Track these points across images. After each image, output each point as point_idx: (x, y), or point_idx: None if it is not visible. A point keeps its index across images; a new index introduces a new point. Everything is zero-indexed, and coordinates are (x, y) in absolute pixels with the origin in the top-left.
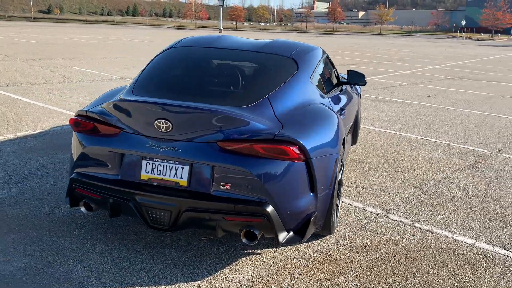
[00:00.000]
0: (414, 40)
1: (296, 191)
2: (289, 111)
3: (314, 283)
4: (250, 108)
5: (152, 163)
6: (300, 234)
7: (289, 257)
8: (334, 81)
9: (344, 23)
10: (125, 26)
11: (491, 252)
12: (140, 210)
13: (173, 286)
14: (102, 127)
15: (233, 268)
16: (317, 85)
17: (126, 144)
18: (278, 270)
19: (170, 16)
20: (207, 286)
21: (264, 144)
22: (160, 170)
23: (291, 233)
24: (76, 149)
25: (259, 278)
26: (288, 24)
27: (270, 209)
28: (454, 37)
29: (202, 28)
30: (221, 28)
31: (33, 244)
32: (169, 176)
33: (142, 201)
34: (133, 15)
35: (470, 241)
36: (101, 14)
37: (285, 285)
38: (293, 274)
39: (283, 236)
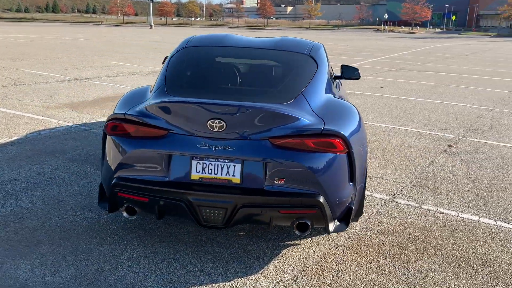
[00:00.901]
0: (343, 34)
1: (341, 181)
2: (321, 106)
3: (359, 267)
4: (290, 104)
5: (203, 163)
6: (345, 222)
7: (327, 246)
8: (333, 75)
9: (274, 18)
10: (47, 23)
11: (496, 226)
12: (193, 209)
13: (231, 282)
14: (148, 129)
15: (280, 260)
16: (331, 80)
17: (175, 145)
18: (322, 258)
19: (94, 13)
20: (264, 278)
21: (314, 139)
22: (211, 169)
23: (338, 222)
24: (113, 153)
25: (308, 267)
26: (219, 20)
27: (322, 200)
28: (378, 30)
29: (130, 24)
30: (152, 24)
31: (71, 253)
32: (221, 175)
33: (196, 200)
34: (53, 11)
35: (475, 217)
36: (17, 11)
37: (334, 271)
38: (337, 260)
39: (332, 225)
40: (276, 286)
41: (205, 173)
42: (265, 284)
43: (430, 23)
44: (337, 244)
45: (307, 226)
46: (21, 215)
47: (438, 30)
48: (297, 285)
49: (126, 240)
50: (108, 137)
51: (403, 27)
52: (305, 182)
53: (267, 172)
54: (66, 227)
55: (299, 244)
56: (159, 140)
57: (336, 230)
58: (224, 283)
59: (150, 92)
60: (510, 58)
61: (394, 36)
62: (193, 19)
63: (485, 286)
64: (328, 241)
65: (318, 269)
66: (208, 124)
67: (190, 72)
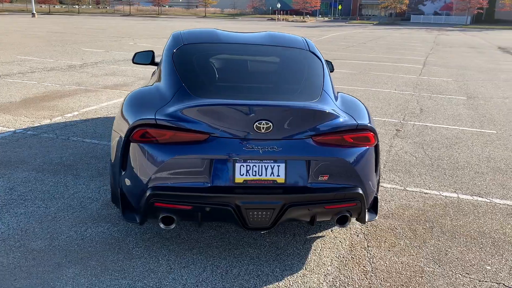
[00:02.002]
0: (241, 23)
1: (372, 173)
2: (340, 101)
3: (388, 251)
4: (319, 101)
5: (247, 165)
6: (374, 211)
7: (348, 235)
8: None
9: (167, 6)
10: None
11: (475, 201)
12: (240, 213)
13: (284, 281)
14: (187, 134)
15: (315, 253)
16: None
17: (218, 149)
18: (351, 248)
19: None
20: (311, 273)
21: (351, 134)
22: (255, 171)
23: (370, 212)
24: (144, 162)
25: (344, 257)
26: (108, 7)
27: (361, 192)
28: (273, 19)
29: (7, 12)
30: (34, 12)
31: (104, 273)
32: (266, 176)
33: (244, 203)
34: None
35: (454, 195)
36: None
37: (369, 259)
38: (365, 248)
39: (367, 215)
40: (325, 279)
41: (249, 175)
42: (315, 279)
43: (319, 13)
44: (355, 232)
45: (348, 219)
46: (18, 238)
47: (326, 19)
48: (344, 276)
49: (154, 252)
50: (134, 145)
51: (295, 16)
52: (346, 177)
53: (310, 170)
54: (80, 245)
55: (323, 236)
56: (200, 145)
57: (369, 219)
58: (277, 283)
59: (160, 93)
60: (402, 45)
61: (289, 25)
62: (79, 7)
63: (495, 255)
64: (345, 230)
65: (353, 258)
66: (254, 125)
67: (204, 71)
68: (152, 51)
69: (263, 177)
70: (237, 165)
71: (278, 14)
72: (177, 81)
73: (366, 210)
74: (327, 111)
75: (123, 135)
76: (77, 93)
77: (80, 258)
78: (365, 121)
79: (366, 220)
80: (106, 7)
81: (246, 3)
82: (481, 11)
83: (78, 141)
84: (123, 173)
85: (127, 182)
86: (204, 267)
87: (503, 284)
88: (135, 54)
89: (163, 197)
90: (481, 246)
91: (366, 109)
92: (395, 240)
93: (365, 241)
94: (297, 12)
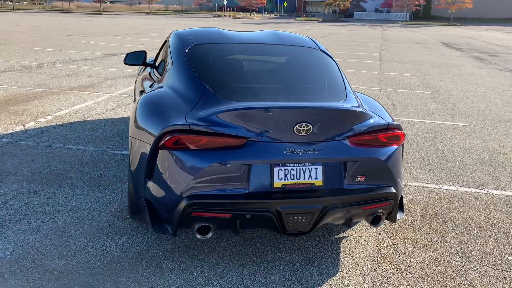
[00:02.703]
0: (189, 19)
1: (401, 171)
2: (362, 101)
3: (413, 247)
4: (347, 101)
5: (285, 169)
6: (401, 210)
7: (370, 234)
8: None
9: (108, 2)
10: None
11: (474, 193)
12: (281, 218)
13: (325, 285)
14: (224, 139)
15: (346, 254)
16: None
17: (256, 154)
18: (379, 246)
19: None
20: (349, 275)
21: (384, 133)
22: (293, 175)
23: (398, 211)
24: (176, 170)
25: (374, 257)
26: (45, 4)
27: (395, 191)
28: (220, 16)
29: None
30: None
31: None
32: (304, 179)
33: (285, 209)
34: None
35: (453, 188)
36: None
37: (398, 256)
38: (392, 245)
39: (398, 214)
40: (364, 280)
41: (287, 179)
42: (355, 281)
43: (265, 9)
44: (376, 230)
45: (381, 218)
46: (32, 257)
47: (273, 15)
48: (381, 276)
49: (184, 263)
50: (164, 152)
51: (241, 13)
52: (380, 176)
53: (347, 171)
54: (102, 260)
55: (348, 236)
56: (238, 150)
57: (398, 218)
58: (319, 287)
59: (181, 97)
60: (354, 41)
61: (238, 21)
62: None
63: (510, 245)
64: (366, 229)
65: (383, 257)
66: (295, 128)
67: (225, 72)
68: (144, 52)
69: (301, 180)
70: (275, 169)
71: (224, 11)
72: (200, 83)
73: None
74: (362, 111)
75: (147, 143)
76: (43, 96)
77: (107, 275)
78: (392, 121)
79: (397, 219)
80: (43, 4)
81: (191, 0)
82: (419, 8)
83: (61, 147)
84: (149, 182)
85: (155, 191)
86: (241, 276)
87: None
88: (127, 54)
89: (201, 206)
90: (496, 237)
91: (383, 107)
92: (416, 236)
93: (388, 238)
94: (243, 9)
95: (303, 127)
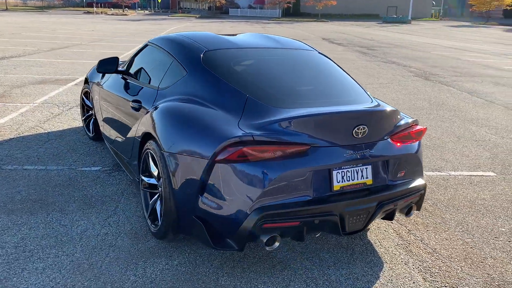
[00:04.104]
0: (57, 17)
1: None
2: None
3: (426, 231)
4: (374, 101)
5: (342, 172)
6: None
7: (385, 225)
8: None
9: None
10: None
11: (441, 176)
12: (343, 220)
13: (383, 278)
14: (289, 148)
15: (378, 245)
16: None
17: (319, 159)
18: (401, 235)
19: None
20: (395, 263)
21: (411, 130)
22: (349, 176)
23: None
24: (240, 183)
25: (403, 244)
26: None
27: (424, 182)
28: (90, 12)
29: None
30: None
31: None
32: (357, 179)
33: (347, 210)
34: None
35: (458, 173)
36: None
37: (421, 239)
38: (409, 231)
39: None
40: (409, 267)
41: (344, 181)
42: (402, 269)
43: (138, 5)
44: (399, 227)
45: (413, 208)
46: None
47: (147, 12)
48: (419, 261)
49: (242, 278)
50: (224, 166)
51: (113, 9)
52: (414, 170)
53: (389, 168)
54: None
55: (368, 229)
56: (302, 158)
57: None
58: (380, 281)
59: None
60: None
61: (112, 18)
62: None
63: (498, 218)
64: (378, 221)
65: (410, 243)
66: (353, 131)
67: (254, 78)
68: (117, 58)
69: (356, 181)
70: (334, 172)
71: (95, 7)
72: (236, 91)
73: None
74: (398, 111)
75: (199, 157)
76: None
77: None
78: (412, 117)
79: (417, 211)
80: None
81: None
82: (290, 5)
83: (17, 170)
84: (202, 199)
85: (213, 208)
86: (305, 282)
87: None
88: (100, 62)
89: (272, 217)
90: (481, 212)
91: None
92: (422, 221)
93: (402, 226)
94: (115, 5)
95: (361, 129)
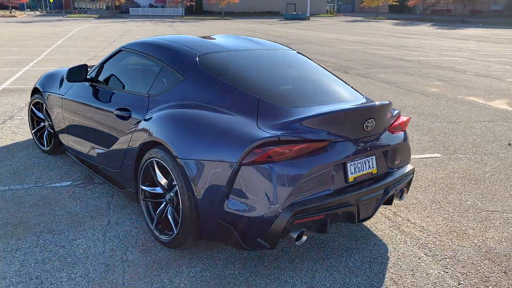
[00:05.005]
0: None
1: None
2: None
3: (426, 217)
4: (366, 97)
5: (354, 164)
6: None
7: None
8: None
9: None
10: None
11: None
12: (359, 209)
13: (393, 257)
14: (312, 145)
15: (380, 230)
16: None
17: (337, 154)
18: (398, 224)
19: None
20: (408, 244)
21: (401, 121)
22: (359, 167)
23: None
24: (269, 183)
25: (398, 228)
26: None
27: (412, 167)
28: None
29: None
30: None
31: None
32: (366, 170)
33: (363, 199)
34: None
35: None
36: None
37: (420, 228)
38: (409, 220)
39: None
40: (417, 248)
41: (356, 172)
42: (411, 253)
43: (27, 6)
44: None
45: (403, 192)
46: None
47: (38, 13)
48: (427, 247)
49: (277, 274)
50: (250, 168)
51: None
52: (405, 156)
53: (388, 157)
54: None
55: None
56: (324, 154)
57: None
58: (396, 259)
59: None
60: None
61: (2, 21)
62: None
63: (478, 197)
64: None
65: (412, 230)
66: (364, 125)
67: (255, 80)
68: (86, 65)
69: (364, 171)
70: (348, 165)
71: None
72: (245, 94)
73: None
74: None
75: (224, 161)
76: None
77: None
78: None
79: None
80: None
81: None
82: (192, 3)
83: None
84: (227, 202)
85: (241, 210)
86: (327, 271)
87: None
88: (70, 70)
89: (302, 213)
90: (445, 190)
91: None
92: (400, 202)
93: (386, 209)
94: (1, 6)
95: (370, 123)
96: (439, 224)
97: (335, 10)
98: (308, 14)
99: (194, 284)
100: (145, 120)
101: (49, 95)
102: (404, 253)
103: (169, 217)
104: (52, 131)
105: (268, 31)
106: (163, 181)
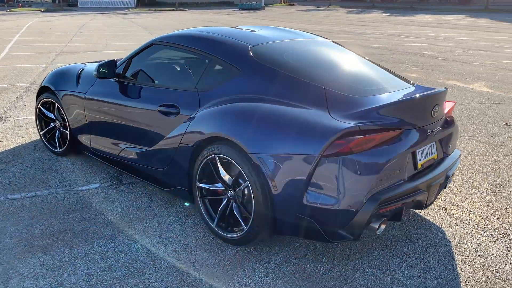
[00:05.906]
0: None
1: None
2: None
3: (465, 199)
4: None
5: (422, 150)
6: None
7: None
8: None
9: None
10: None
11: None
12: (428, 195)
13: (454, 245)
14: (390, 133)
15: (441, 241)
16: None
17: (410, 141)
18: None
19: None
20: (469, 254)
21: (451, 107)
22: (425, 154)
23: None
24: (353, 173)
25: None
26: None
27: (459, 151)
28: None
29: None
30: None
31: None
32: (430, 155)
33: (432, 185)
34: None
35: None
36: None
37: (464, 210)
38: (452, 203)
39: None
40: (471, 230)
41: (423, 158)
42: (467, 235)
43: None
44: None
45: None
46: None
47: None
48: (479, 227)
49: (352, 265)
50: (338, 159)
51: None
52: (455, 141)
53: (443, 142)
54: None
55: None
56: (400, 142)
57: None
58: (439, 259)
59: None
60: (127, 33)
61: None
62: None
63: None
64: None
65: (459, 212)
66: (432, 111)
67: (313, 70)
68: (115, 60)
69: (429, 157)
70: (418, 152)
71: None
72: (310, 84)
73: None
74: None
75: (303, 154)
76: None
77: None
78: None
79: None
80: None
81: None
82: None
83: (1, 201)
84: (306, 196)
85: (322, 203)
86: (416, 263)
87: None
88: (99, 67)
89: (385, 202)
90: (471, 172)
91: None
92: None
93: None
94: None
95: (437, 109)
96: (481, 205)
97: None
98: (263, 4)
99: (276, 280)
100: (200, 115)
101: (64, 94)
102: (461, 235)
103: (236, 213)
104: (66, 131)
105: (228, 22)
106: (226, 177)
